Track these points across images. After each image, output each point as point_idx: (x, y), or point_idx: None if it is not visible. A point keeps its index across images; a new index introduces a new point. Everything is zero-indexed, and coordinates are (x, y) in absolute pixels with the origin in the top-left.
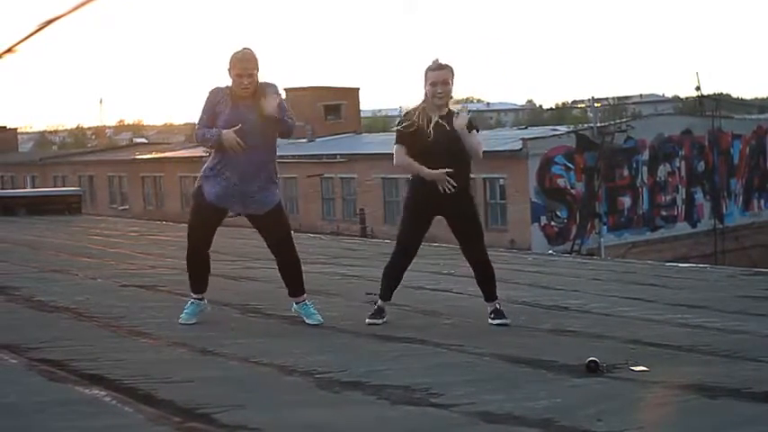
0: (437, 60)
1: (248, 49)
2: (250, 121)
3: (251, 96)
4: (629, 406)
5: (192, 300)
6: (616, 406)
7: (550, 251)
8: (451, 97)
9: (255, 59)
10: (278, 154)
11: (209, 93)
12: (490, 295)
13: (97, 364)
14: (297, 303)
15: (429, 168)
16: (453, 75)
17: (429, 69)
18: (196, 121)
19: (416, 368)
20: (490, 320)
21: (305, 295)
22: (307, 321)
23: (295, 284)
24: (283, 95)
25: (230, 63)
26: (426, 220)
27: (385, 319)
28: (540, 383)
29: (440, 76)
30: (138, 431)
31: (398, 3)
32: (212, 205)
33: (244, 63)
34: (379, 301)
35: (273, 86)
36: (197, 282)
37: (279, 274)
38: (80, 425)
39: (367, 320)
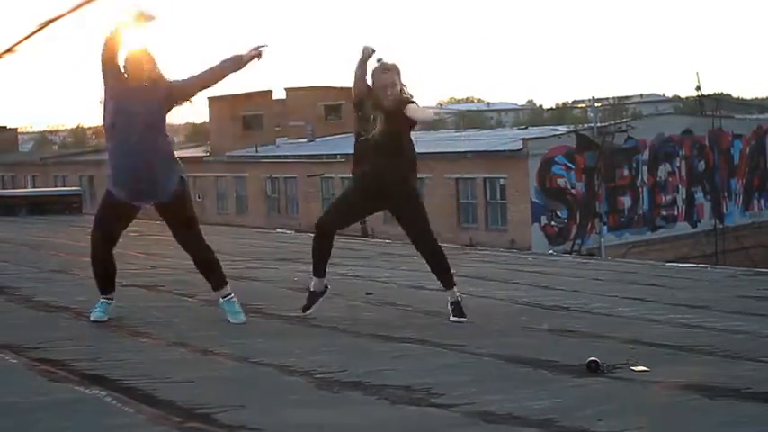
0: (383, 62)
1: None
2: (132, 108)
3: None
4: (630, 406)
5: (102, 299)
6: (616, 406)
7: (551, 251)
8: (405, 94)
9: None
10: (278, 154)
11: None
12: (447, 283)
13: (97, 364)
14: (223, 297)
15: (369, 161)
16: (399, 74)
17: (377, 72)
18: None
19: (417, 368)
20: (451, 317)
21: (225, 289)
22: (230, 320)
23: (211, 279)
24: (284, 96)
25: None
26: (363, 208)
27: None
28: (540, 383)
29: (389, 80)
30: (139, 431)
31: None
32: (119, 202)
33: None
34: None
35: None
36: (100, 282)
37: (279, 275)
38: (80, 425)
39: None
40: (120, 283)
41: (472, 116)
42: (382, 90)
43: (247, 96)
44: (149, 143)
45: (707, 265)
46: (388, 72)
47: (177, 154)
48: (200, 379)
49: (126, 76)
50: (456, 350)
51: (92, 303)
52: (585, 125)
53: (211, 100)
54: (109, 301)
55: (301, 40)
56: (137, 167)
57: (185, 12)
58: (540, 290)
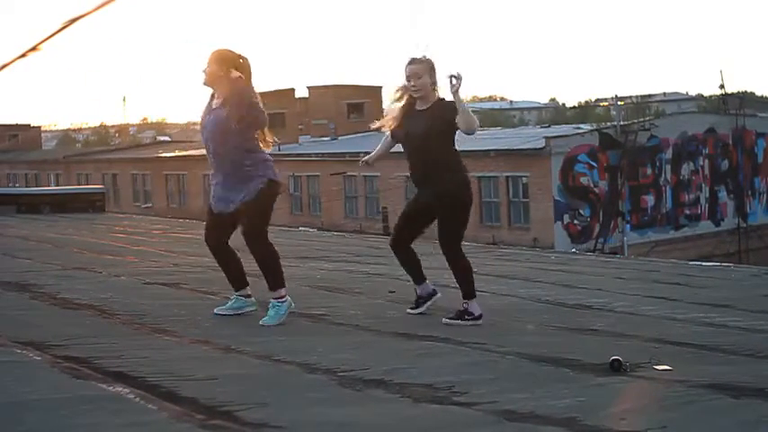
0: (412, 56)
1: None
2: (213, 122)
3: (217, 94)
4: (653, 405)
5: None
6: (639, 405)
7: (573, 250)
8: (438, 97)
9: (215, 54)
10: (300, 152)
11: None
12: (463, 293)
13: (121, 362)
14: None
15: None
16: (430, 68)
17: (406, 64)
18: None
19: (439, 366)
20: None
21: (277, 292)
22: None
23: (266, 280)
24: (306, 94)
25: None
26: (413, 218)
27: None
28: (563, 382)
29: (411, 71)
30: (162, 428)
31: (406, 17)
32: (210, 209)
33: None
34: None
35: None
36: (227, 277)
37: (302, 273)
38: (103, 422)
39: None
40: (142, 280)
41: (495, 114)
42: (407, 83)
43: (270, 94)
44: (231, 157)
45: (730, 264)
46: (414, 64)
47: (200, 152)
48: (222, 377)
49: None
50: (478, 348)
51: (114, 300)
52: (608, 123)
53: None
54: (238, 297)
55: (324, 38)
56: (225, 180)
57: (209, 9)
58: (563, 288)
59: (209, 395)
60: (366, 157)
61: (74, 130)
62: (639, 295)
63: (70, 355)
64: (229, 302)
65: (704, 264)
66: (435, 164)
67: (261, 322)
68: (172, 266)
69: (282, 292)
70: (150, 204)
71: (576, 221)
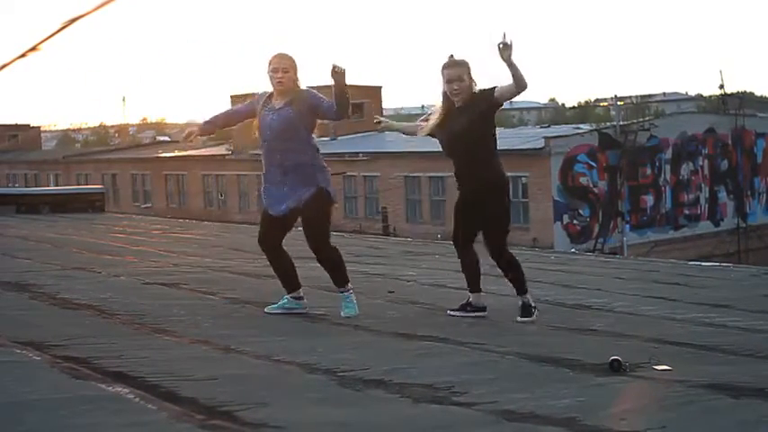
0: (451, 57)
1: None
2: (273, 122)
3: (282, 97)
4: (653, 405)
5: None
6: (639, 405)
7: (573, 250)
8: (474, 92)
9: (292, 60)
10: None
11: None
12: (516, 289)
13: (120, 362)
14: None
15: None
16: (468, 69)
17: (443, 67)
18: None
19: (439, 366)
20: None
21: (345, 287)
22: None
23: (333, 278)
24: None
25: (269, 62)
26: (462, 214)
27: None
28: (562, 382)
29: (454, 74)
30: (161, 428)
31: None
32: (266, 211)
33: (278, 59)
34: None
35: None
36: (280, 279)
37: (301, 273)
38: (103, 422)
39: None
40: (142, 280)
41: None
42: (449, 86)
43: None
44: (287, 158)
45: (730, 264)
46: (455, 67)
47: (200, 152)
48: (222, 377)
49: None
50: (478, 348)
51: (113, 300)
52: (608, 123)
53: (233, 98)
54: (289, 299)
55: (324, 38)
56: (277, 181)
57: (209, 9)
58: (563, 288)
59: (209, 395)
60: (383, 120)
61: (73, 131)
62: (639, 295)
63: (70, 356)
64: (281, 302)
65: (704, 264)
66: (474, 161)
67: (344, 314)
68: (171, 266)
69: (348, 285)
70: (150, 204)
71: (575, 221)
